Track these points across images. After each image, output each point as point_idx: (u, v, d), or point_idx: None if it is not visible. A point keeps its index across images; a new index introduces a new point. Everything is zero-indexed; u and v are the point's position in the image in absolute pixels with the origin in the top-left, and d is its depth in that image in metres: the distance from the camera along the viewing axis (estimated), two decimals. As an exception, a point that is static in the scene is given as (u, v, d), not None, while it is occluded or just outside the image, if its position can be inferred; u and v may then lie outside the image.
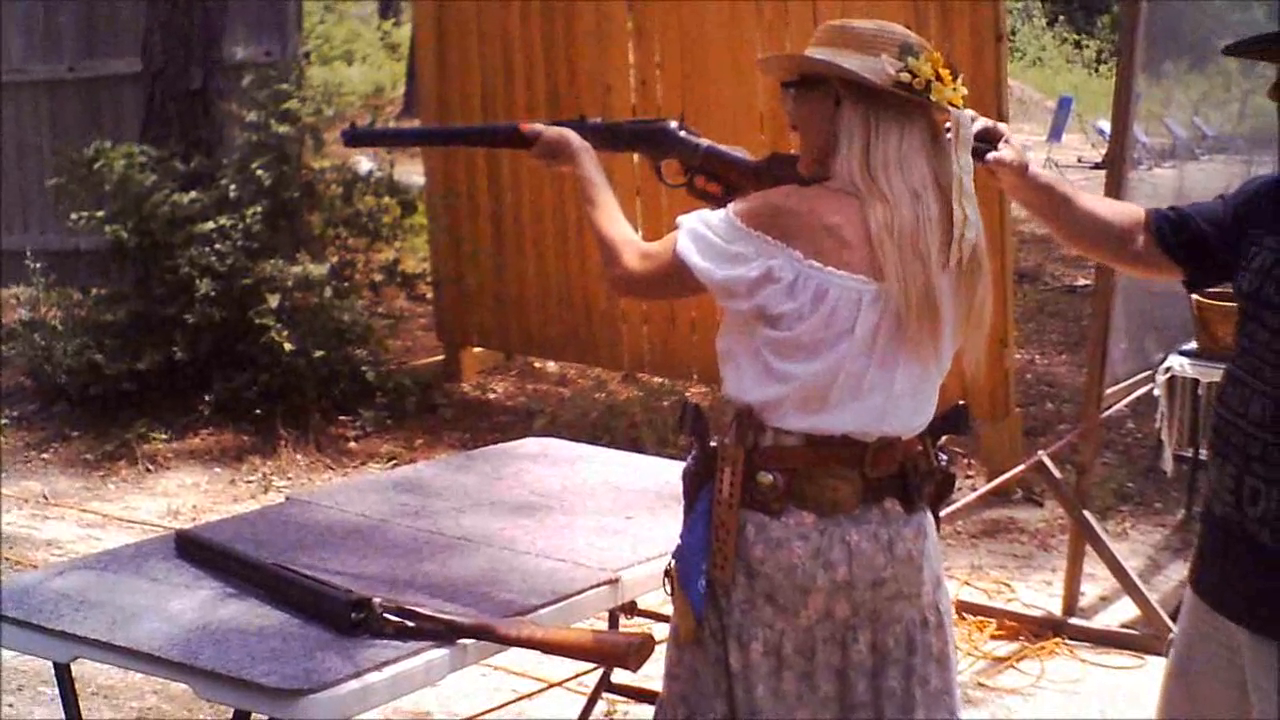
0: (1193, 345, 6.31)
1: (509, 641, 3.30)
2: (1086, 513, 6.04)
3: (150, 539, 4.14)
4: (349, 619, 3.25)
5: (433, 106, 9.23)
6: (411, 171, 10.33)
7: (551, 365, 9.68)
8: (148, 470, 7.85)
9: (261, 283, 8.10)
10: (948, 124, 3.08)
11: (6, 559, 6.59)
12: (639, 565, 3.76)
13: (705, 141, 3.46)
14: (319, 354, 8.17)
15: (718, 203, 3.30)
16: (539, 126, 3.45)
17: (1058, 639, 5.99)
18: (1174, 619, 5.85)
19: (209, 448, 8.13)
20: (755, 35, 7.91)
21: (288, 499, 4.27)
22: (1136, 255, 3.34)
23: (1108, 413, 6.24)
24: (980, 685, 5.61)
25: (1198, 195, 7.97)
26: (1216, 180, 7.77)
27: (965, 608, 6.20)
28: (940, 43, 7.01)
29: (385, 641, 3.20)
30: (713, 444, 3.18)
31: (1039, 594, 6.46)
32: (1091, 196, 3.44)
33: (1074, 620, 6.08)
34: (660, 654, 3.30)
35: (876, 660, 3.16)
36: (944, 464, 3.29)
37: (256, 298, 8.12)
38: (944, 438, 3.29)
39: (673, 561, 3.22)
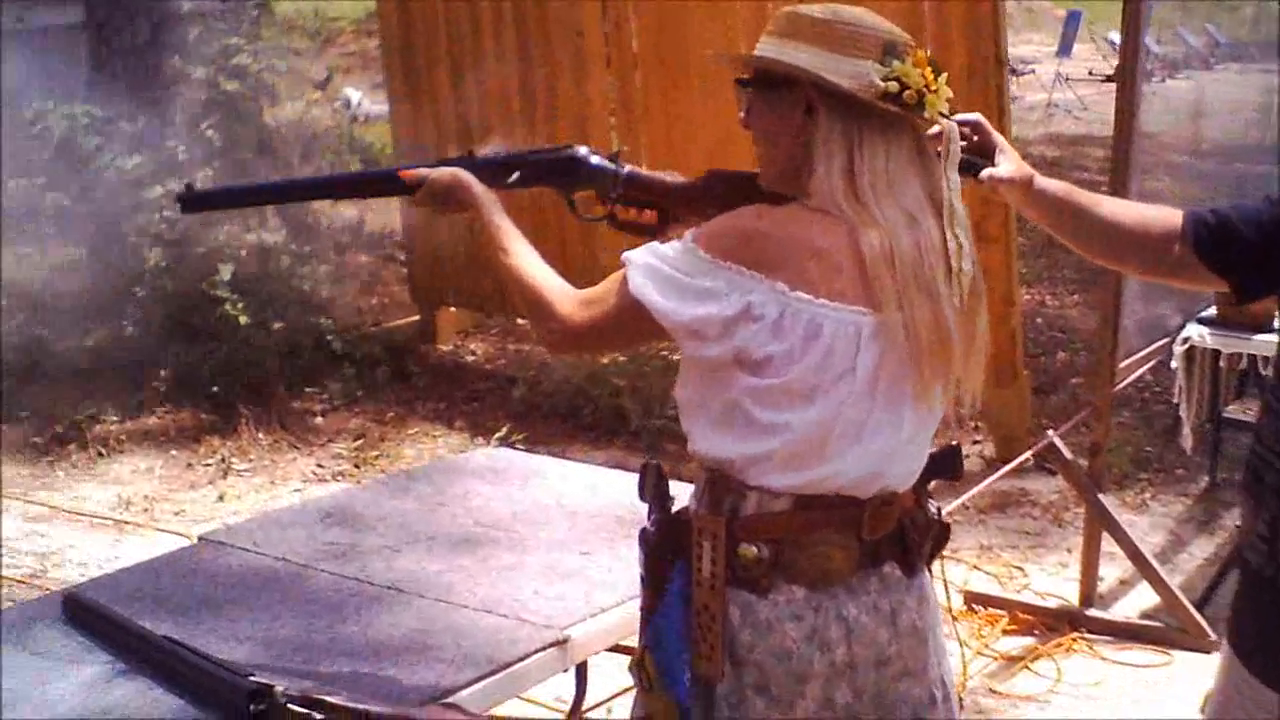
0: (1212, 312, 5.81)
1: (431, 736, 2.84)
2: (1103, 496, 5.57)
3: (39, 599, 3.71)
4: (246, 710, 2.80)
5: (395, 45, 8.68)
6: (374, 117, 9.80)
7: (534, 323, 9.18)
8: (99, 454, 7.39)
9: (214, 252, 7.60)
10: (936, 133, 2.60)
11: (-59, 564, 6.14)
12: (591, 619, 3.31)
13: (626, 168, 2.95)
14: (278, 325, 7.68)
15: (651, 234, 2.86)
16: (422, 171, 2.93)
17: (1076, 634, 5.53)
18: (1199, 606, 5.49)
19: (164, 428, 7.66)
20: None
21: (200, 539, 3.80)
22: (1172, 268, 2.88)
23: (1122, 385, 5.75)
24: (992, 692, 5.16)
25: (1216, 107, 7.55)
26: (1234, 91, 7.30)
27: (976, 599, 5.76)
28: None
29: (288, 738, 2.76)
30: (680, 508, 2.73)
31: (1054, 578, 6.02)
32: (1115, 202, 2.96)
33: (1092, 611, 5.63)
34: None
35: None
36: (937, 513, 2.83)
37: (210, 268, 7.61)
38: (932, 483, 2.83)
39: (646, 652, 2.75)
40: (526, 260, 2.79)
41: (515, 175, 2.96)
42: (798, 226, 2.55)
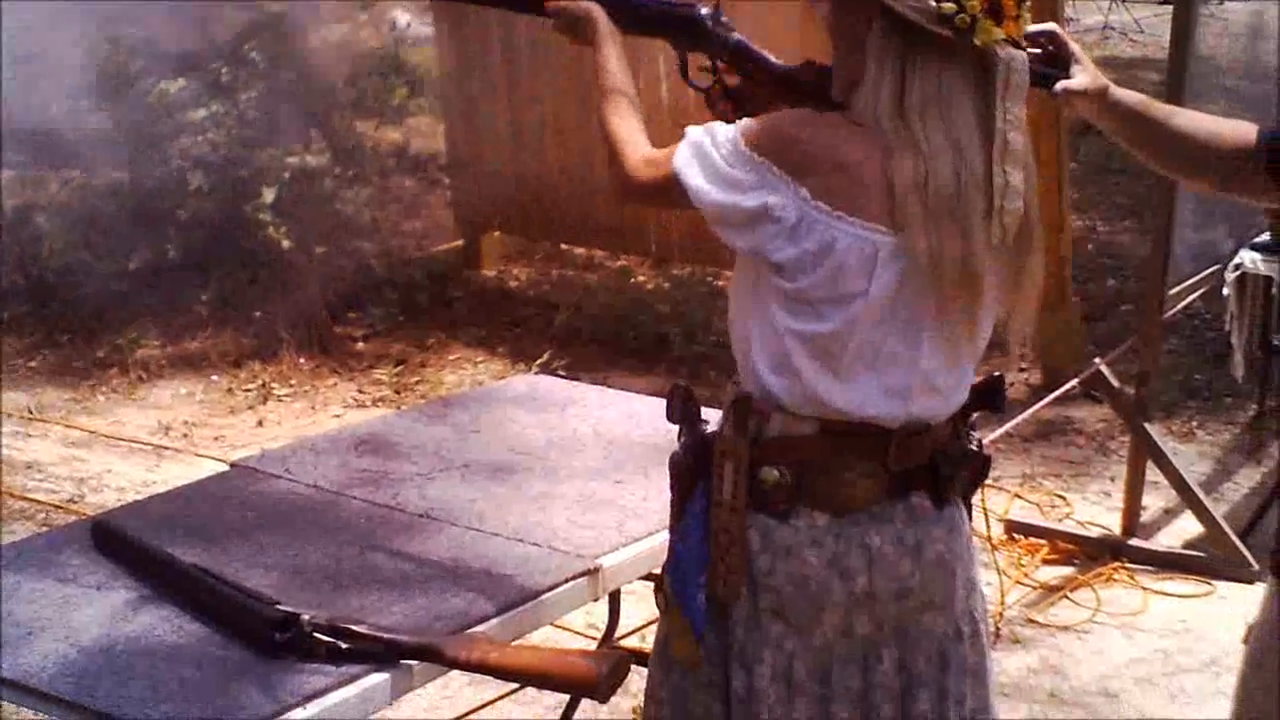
0: (1266, 238, 5.72)
1: (458, 665, 2.82)
2: (1149, 425, 5.50)
3: (68, 526, 3.68)
4: (272, 638, 2.78)
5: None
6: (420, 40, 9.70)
7: (579, 249, 9.09)
8: (140, 379, 7.38)
9: (257, 174, 7.55)
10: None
11: (-18, 487, 6.15)
12: (623, 548, 3.28)
13: (736, 36, 2.90)
14: (321, 249, 7.63)
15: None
16: (564, 2, 2.92)
17: (1117, 563, 5.48)
18: (1243, 536, 5.43)
19: (205, 353, 7.64)
20: None
21: (232, 466, 3.77)
22: (1243, 185, 2.82)
23: (1172, 313, 5.67)
24: (1030, 621, 5.13)
25: (1274, 30, 7.36)
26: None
27: (1016, 528, 5.72)
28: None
29: (315, 666, 2.74)
30: (707, 430, 2.71)
31: (1096, 507, 5.96)
32: (1190, 115, 2.90)
33: (1134, 541, 5.57)
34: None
35: (904, 681, 2.71)
36: (977, 445, 2.79)
37: (252, 191, 7.57)
38: (975, 414, 2.80)
39: (665, 574, 2.75)
40: (618, 106, 2.77)
41: (638, 20, 2.93)
42: (832, 136, 2.51)
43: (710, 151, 2.56)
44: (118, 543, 3.20)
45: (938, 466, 2.68)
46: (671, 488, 2.77)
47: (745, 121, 2.59)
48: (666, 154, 2.64)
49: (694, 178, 2.56)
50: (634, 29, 2.94)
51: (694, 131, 2.62)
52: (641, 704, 2.96)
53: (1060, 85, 2.70)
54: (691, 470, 2.71)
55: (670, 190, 2.61)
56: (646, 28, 2.98)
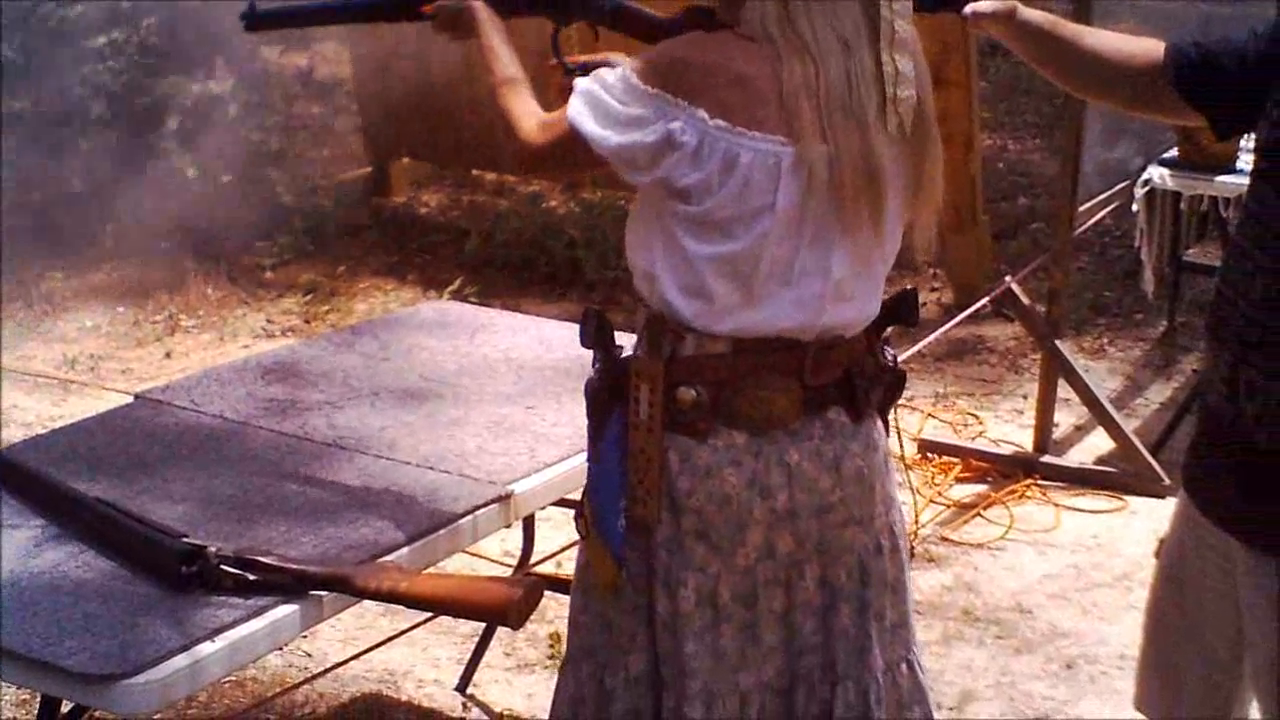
0: (1174, 153, 5.73)
1: (369, 595, 2.79)
2: (1060, 342, 5.53)
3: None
4: (179, 572, 2.74)
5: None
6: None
7: (489, 175, 9.01)
8: (44, 312, 7.24)
9: (160, 102, 7.43)
10: None
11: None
12: (536, 474, 3.26)
13: None
14: (227, 178, 7.52)
15: None
16: (441, 1, 2.89)
17: (1029, 480, 5.51)
18: (1154, 451, 5.48)
19: (111, 284, 7.50)
20: None
21: (136, 398, 3.71)
22: (1152, 102, 2.84)
23: (1082, 229, 5.69)
24: (944, 540, 5.15)
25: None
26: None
27: (930, 447, 5.74)
28: None
29: (222, 599, 2.71)
30: (622, 354, 2.72)
31: (1009, 425, 5.99)
32: (1098, 34, 2.91)
33: (1046, 458, 5.61)
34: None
35: (826, 596, 2.73)
36: (892, 361, 2.81)
37: (156, 119, 7.44)
38: (889, 329, 2.82)
39: (585, 499, 2.76)
40: (509, 85, 2.75)
41: (515, 2, 2.91)
42: (722, 53, 2.51)
43: (602, 96, 2.55)
44: (20, 477, 3.13)
45: (853, 380, 2.69)
46: (588, 413, 2.76)
47: (634, 58, 2.58)
48: (560, 113, 2.62)
49: (590, 126, 2.54)
50: (513, 10, 2.91)
51: (582, 82, 2.60)
52: (559, 630, 2.94)
53: (969, 8, 2.71)
54: (607, 394, 2.71)
55: (571, 147, 2.59)
56: (525, 6, 2.95)
